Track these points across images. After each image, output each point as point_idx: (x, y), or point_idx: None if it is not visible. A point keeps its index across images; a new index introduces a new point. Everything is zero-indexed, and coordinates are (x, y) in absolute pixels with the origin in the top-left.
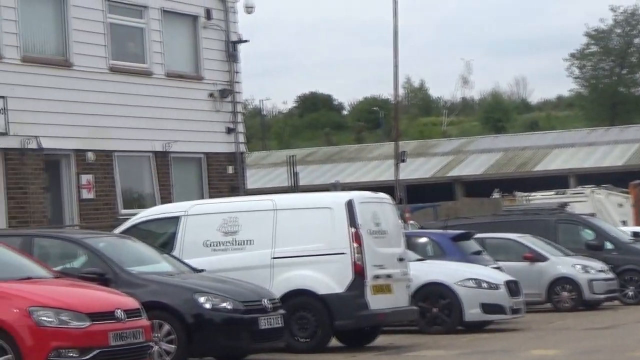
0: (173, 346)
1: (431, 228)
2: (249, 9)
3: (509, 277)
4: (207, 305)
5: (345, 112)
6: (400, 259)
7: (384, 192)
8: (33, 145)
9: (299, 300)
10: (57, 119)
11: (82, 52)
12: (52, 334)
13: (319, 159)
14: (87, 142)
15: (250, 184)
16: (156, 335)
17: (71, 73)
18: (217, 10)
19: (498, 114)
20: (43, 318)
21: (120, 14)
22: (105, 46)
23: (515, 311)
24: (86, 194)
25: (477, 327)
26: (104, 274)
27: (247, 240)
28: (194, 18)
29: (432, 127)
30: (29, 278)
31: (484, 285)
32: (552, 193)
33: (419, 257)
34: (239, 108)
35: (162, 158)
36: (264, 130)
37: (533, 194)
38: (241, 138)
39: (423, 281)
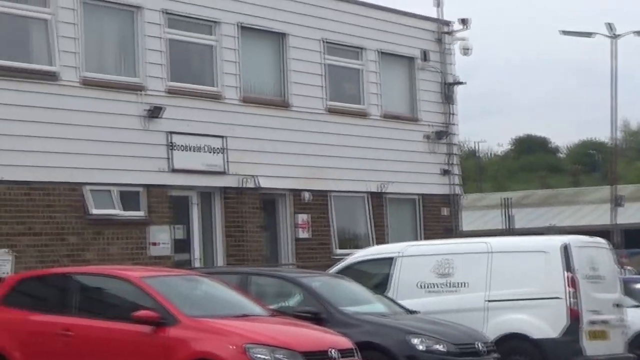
0: None
1: None
2: (466, 51)
3: None
4: (421, 347)
5: (561, 155)
6: (617, 305)
7: (600, 236)
8: (251, 184)
9: (513, 344)
10: (274, 158)
11: (300, 93)
12: None
13: (534, 202)
14: (304, 181)
15: (464, 226)
16: None
17: (289, 113)
18: (434, 52)
19: None
20: (258, 355)
21: (337, 55)
22: (322, 87)
23: None
24: (302, 233)
25: None
26: (319, 313)
27: (461, 283)
28: (411, 59)
29: None
30: (245, 315)
31: None
32: None
33: (636, 304)
34: (455, 150)
35: (377, 199)
36: (479, 172)
37: None
38: (456, 180)
39: None
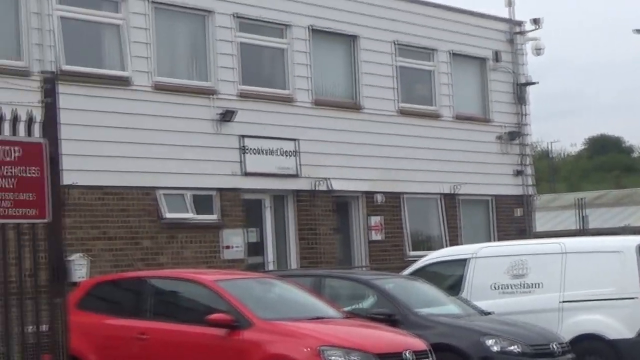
0: None
1: None
2: (538, 51)
3: None
4: (496, 348)
5: (635, 154)
6: None
7: None
8: (323, 187)
9: (588, 345)
10: (346, 161)
11: (371, 95)
12: None
13: (608, 202)
14: (376, 184)
15: (538, 227)
16: None
17: (361, 116)
18: (506, 52)
19: None
20: (333, 357)
21: (409, 57)
22: (394, 89)
23: None
24: (375, 236)
25: None
26: (393, 315)
27: (535, 284)
28: (483, 60)
29: None
30: (319, 318)
31: None
32: None
33: None
34: (528, 150)
35: (450, 200)
36: (552, 172)
37: None
38: (530, 181)
39: None
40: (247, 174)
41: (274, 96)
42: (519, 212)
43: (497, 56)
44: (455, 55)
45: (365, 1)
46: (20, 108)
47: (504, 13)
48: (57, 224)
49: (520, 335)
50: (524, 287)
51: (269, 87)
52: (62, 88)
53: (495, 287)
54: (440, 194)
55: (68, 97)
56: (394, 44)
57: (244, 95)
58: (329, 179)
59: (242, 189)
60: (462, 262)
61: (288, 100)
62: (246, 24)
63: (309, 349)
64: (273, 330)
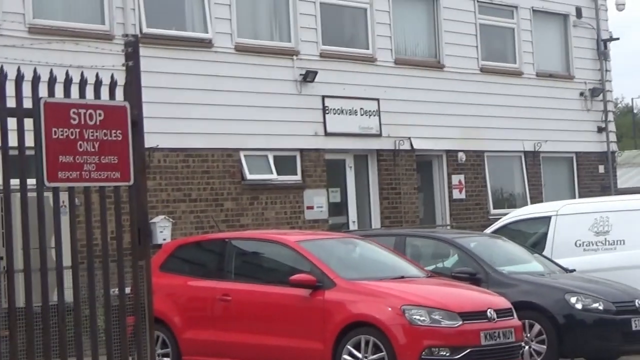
0: (543, 346)
1: None
2: (620, 6)
3: None
4: (578, 306)
5: None
6: None
7: None
8: (406, 146)
9: None
10: (428, 120)
11: (453, 54)
12: (425, 332)
13: None
14: (458, 142)
15: (620, 184)
16: (527, 335)
17: (442, 74)
18: (588, 8)
19: None
20: (416, 317)
21: (490, 14)
22: (476, 47)
23: None
24: (457, 194)
25: None
26: (475, 274)
27: (618, 241)
28: (564, 17)
29: None
30: (401, 277)
31: None
32: None
33: None
34: (610, 107)
35: (532, 158)
36: (635, 128)
37: None
38: (612, 137)
39: None
40: (328, 134)
41: (355, 56)
42: (601, 168)
43: (579, 12)
44: (536, 12)
45: None
46: (102, 72)
47: None
48: (140, 186)
49: (603, 293)
50: (607, 244)
51: (350, 47)
52: (143, 51)
53: (578, 245)
54: (522, 151)
55: (150, 60)
56: (476, 1)
57: (325, 56)
58: (410, 138)
59: (324, 149)
60: (545, 220)
61: (369, 60)
62: None
63: (391, 309)
64: (355, 290)
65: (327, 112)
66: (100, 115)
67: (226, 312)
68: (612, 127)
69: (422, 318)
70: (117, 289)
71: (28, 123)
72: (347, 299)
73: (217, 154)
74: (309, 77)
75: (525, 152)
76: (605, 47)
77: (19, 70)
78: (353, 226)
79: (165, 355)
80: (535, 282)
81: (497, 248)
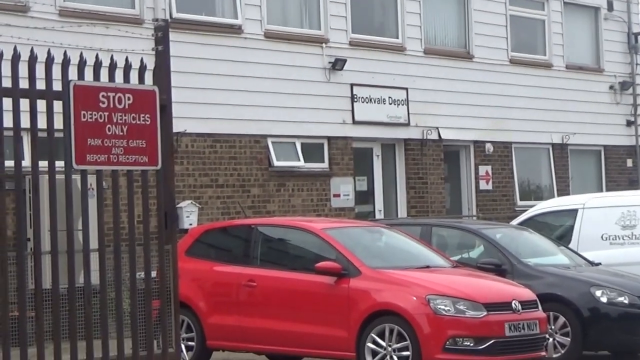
0: (567, 339)
1: None
2: None
3: None
4: (604, 299)
5: None
6: None
7: None
8: (433, 136)
9: None
10: (456, 110)
11: (482, 44)
12: (449, 322)
13: None
14: (486, 133)
15: None
16: (551, 327)
17: (472, 65)
18: (619, 1)
19: None
20: (440, 307)
21: (521, 5)
22: (505, 38)
23: None
24: (484, 185)
25: None
26: (501, 265)
27: None
28: (595, 10)
29: None
30: (427, 267)
31: None
32: None
33: None
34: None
35: (560, 150)
36: None
37: None
38: None
39: None
40: (356, 123)
41: (384, 45)
42: (630, 162)
43: (610, 5)
44: (567, 4)
45: None
46: (132, 56)
47: None
48: (167, 171)
49: (628, 287)
50: (633, 238)
51: (379, 36)
52: (173, 36)
53: (605, 238)
54: (550, 143)
55: (179, 44)
56: None
57: (354, 44)
58: (438, 128)
59: (352, 137)
60: (572, 213)
61: (399, 49)
62: None
63: (416, 298)
64: (381, 278)
65: (355, 100)
66: (129, 99)
67: (251, 298)
68: None
69: (446, 308)
70: (143, 273)
71: (57, 105)
72: (372, 287)
73: (245, 140)
74: (338, 65)
75: (553, 145)
76: (636, 40)
77: (49, 52)
78: (379, 215)
79: (190, 339)
80: (561, 274)
81: (523, 240)
